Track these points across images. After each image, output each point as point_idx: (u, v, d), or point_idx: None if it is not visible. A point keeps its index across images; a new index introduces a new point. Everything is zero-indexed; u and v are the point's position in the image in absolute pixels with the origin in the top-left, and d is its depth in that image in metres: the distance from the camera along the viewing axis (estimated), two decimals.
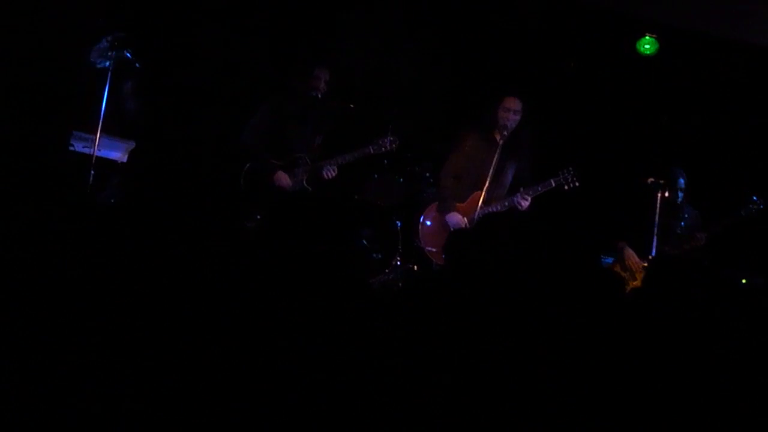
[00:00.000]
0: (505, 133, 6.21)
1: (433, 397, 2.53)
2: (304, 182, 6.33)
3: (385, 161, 7.03)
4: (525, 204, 6.18)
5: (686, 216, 6.58)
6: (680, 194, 6.53)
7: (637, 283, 6.35)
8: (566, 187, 6.20)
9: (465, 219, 6.21)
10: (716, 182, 7.13)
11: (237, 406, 2.39)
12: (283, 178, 6.28)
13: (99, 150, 6.15)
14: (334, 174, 6.28)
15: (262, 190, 6.26)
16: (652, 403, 2.63)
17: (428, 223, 6.46)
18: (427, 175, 7.18)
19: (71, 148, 6.32)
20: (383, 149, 6.31)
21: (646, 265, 6.38)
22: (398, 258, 6.84)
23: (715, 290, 3.60)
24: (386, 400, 2.48)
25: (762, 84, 7.53)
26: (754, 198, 6.48)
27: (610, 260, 6.64)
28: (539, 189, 6.21)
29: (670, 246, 6.41)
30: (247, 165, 6.32)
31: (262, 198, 6.19)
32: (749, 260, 7.07)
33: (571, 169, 6.18)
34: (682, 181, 6.53)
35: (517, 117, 6.24)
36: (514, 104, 6.25)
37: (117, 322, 2.52)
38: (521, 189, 6.22)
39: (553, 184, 6.20)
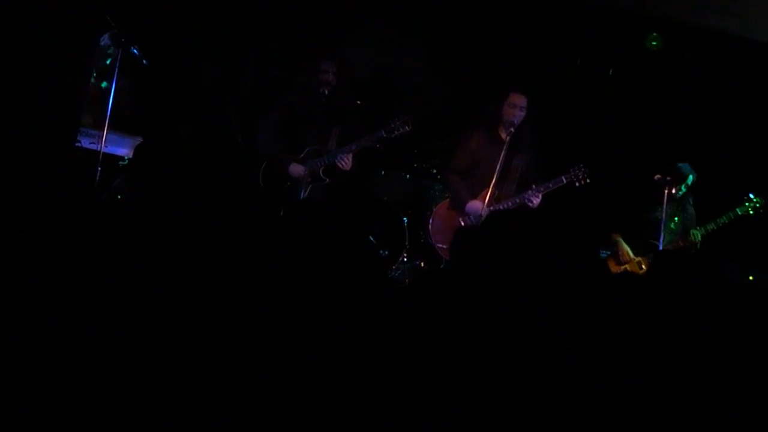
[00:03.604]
0: (511, 129, 6.18)
1: (438, 394, 2.53)
2: (321, 173, 6.31)
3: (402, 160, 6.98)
4: (536, 201, 6.12)
5: (684, 214, 6.52)
6: (683, 190, 6.47)
7: (631, 269, 6.39)
8: (577, 185, 6.16)
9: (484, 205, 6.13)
10: (720, 179, 7.08)
11: (241, 399, 2.40)
12: (298, 169, 6.28)
13: (106, 146, 6.15)
14: (348, 163, 6.23)
15: (279, 184, 6.26)
16: (652, 404, 2.63)
17: (439, 219, 6.43)
18: (434, 171, 7.18)
19: (78, 145, 6.33)
20: (395, 132, 6.18)
21: (638, 259, 6.39)
22: (405, 254, 6.84)
23: (720, 287, 3.59)
24: (390, 397, 2.49)
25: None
26: (750, 195, 6.38)
27: (606, 254, 6.63)
28: (550, 186, 6.16)
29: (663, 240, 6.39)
30: (264, 164, 6.32)
31: (281, 193, 6.18)
32: (757, 256, 7.05)
33: (582, 166, 6.14)
34: (692, 177, 6.46)
35: (523, 113, 6.22)
36: (519, 100, 6.23)
37: (123, 320, 2.53)
38: (533, 186, 6.18)
39: (564, 181, 6.15)
